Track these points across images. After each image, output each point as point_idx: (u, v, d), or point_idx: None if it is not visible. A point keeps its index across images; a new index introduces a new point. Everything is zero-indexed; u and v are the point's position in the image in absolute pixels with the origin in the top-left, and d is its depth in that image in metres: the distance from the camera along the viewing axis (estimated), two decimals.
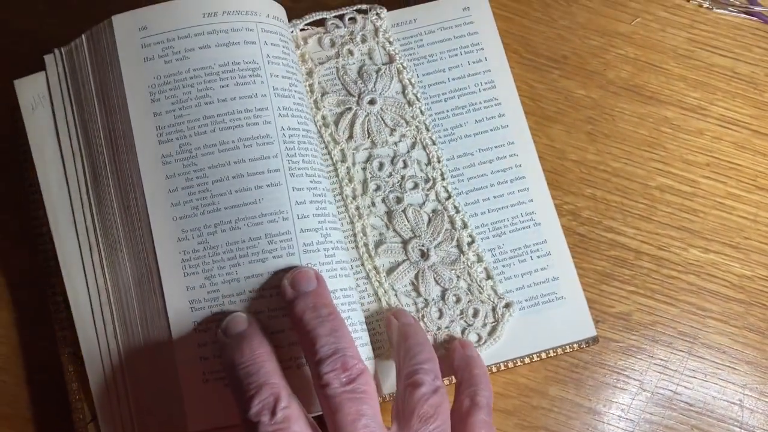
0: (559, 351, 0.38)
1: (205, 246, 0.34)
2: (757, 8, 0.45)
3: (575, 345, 0.38)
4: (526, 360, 0.38)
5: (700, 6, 0.46)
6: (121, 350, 0.35)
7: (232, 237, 0.34)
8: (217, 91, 0.35)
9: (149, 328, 0.34)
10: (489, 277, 0.39)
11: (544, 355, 0.38)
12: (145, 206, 0.34)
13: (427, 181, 0.40)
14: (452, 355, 0.36)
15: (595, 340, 0.38)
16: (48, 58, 0.37)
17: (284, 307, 0.33)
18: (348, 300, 0.35)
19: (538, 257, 0.39)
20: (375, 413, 0.30)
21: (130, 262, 0.35)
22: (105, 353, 0.35)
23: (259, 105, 0.35)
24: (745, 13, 0.46)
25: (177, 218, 0.34)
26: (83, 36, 0.36)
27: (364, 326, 0.36)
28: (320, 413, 0.32)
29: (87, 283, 0.36)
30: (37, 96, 0.37)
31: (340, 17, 0.42)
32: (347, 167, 0.40)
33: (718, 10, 0.46)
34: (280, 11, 0.38)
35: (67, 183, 0.36)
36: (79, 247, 0.36)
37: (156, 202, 0.34)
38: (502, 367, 0.38)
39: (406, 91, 0.41)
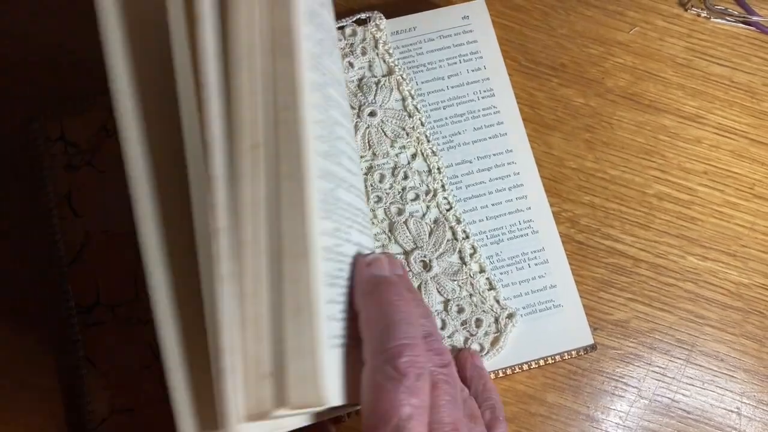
0: (557, 358, 0.38)
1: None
2: (754, 18, 0.46)
3: (573, 352, 0.38)
4: (524, 367, 0.38)
5: (698, 15, 0.46)
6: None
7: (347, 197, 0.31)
8: None
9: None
10: (492, 287, 0.39)
11: (542, 363, 0.38)
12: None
13: (428, 192, 0.40)
14: (464, 364, 0.36)
15: (592, 347, 0.39)
16: None
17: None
18: None
19: (536, 265, 0.39)
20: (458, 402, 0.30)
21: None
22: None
23: None
24: (743, 22, 0.46)
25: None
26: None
27: None
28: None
29: None
30: None
31: (340, 29, 0.42)
32: None
33: (716, 20, 0.46)
34: None
35: None
36: None
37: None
38: (500, 374, 0.38)
39: (406, 103, 0.41)
